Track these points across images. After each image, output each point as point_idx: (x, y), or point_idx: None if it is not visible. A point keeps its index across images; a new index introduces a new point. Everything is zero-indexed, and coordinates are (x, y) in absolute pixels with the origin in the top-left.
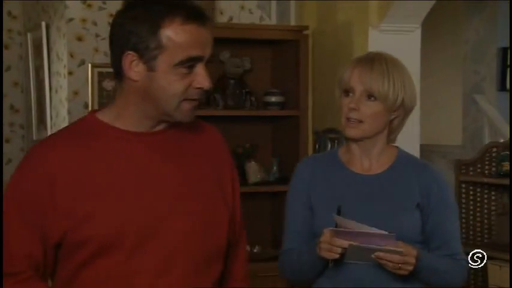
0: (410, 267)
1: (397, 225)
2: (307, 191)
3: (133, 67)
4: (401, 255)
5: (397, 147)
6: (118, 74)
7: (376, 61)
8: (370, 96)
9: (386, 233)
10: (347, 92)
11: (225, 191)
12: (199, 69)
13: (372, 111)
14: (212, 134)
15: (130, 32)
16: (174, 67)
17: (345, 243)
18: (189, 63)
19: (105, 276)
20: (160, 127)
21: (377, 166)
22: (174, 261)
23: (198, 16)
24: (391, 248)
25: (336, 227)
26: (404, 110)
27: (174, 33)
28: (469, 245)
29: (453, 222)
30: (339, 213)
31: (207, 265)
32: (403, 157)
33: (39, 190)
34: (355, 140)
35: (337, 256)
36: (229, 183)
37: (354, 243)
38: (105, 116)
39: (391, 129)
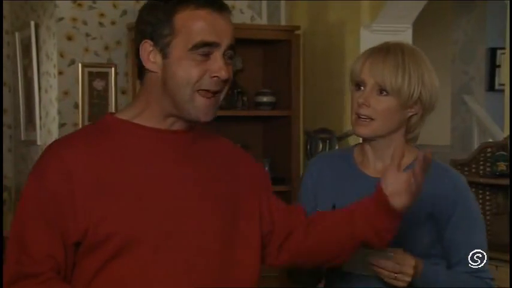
0: (408, 279)
1: (403, 236)
2: (314, 190)
3: (151, 58)
4: (396, 262)
5: (418, 148)
6: (139, 70)
7: (391, 51)
8: (381, 90)
9: None
10: (358, 85)
11: (242, 206)
12: (216, 57)
13: (384, 107)
14: (227, 144)
15: (147, 22)
16: (189, 52)
17: None
18: (204, 48)
19: (130, 274)
20: (182, 127)
21: None
22: (196, 259)
23: (212, 2)
24: (380, 251)
25: None
26: (423, 106)
27: (187, 18)
28: None
29: (476, 235)
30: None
31: (230, 266)
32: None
33: (58, 189)
34: (366, 139)
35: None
36: (259, 194)
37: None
38: (124, 115)
39: (409, 128)
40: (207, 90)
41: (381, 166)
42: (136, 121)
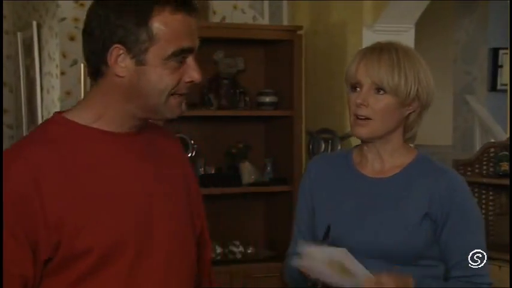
0: None
1: (398, 237)
2: (311, 191)
3: (120, 62)
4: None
5: (417, 149)
6: (96, 71)
7: (384, 51)
8: (379, 89)
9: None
10: (354, 86)
11: (190, 193)
12: (190, 62)
13: (382, 105)
14: (172, 138)
15: (116, 25)
16: (166, 60)
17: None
18: (181, 55)
19: (113, 282)
20: (137, 128)
21: (389, 169)
22: (172, 264)
23: (186, 4)
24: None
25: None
26: (421, 103)
27: (164, 23)
28: None
29: (474, 238)
30: (327, 233)
31: (191, 265)
32: (420, 160)
33: (25, 192)
34: (365, 140)
35: (313, 277)
36: (193, 185)
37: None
38: (80, 118)
39: (407, 126)
40: (181, 94)
41: (379, 166)
42: (95, 126)
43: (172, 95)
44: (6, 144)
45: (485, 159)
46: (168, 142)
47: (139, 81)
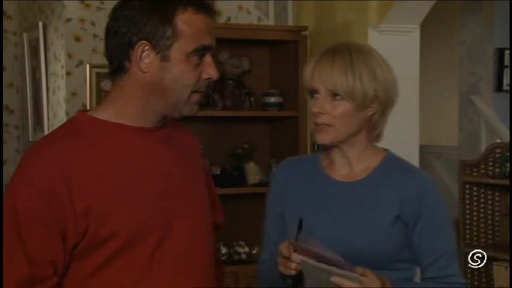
0: None
1: (371, 241)
2: (280, 195)
3: (144, 58)
4: (361, 284)
5: (385, 150)
6: (119, 68)
7: (337, 55)
8: (335, 95)
9: (348, 262)
10: (312, 93)
11: (208, 183)
12: (208, 59)
13: (340, 112)
14: (191, 134)
15: (143, 23)
16: (188, 56)
17: (298, 258)
18: (202, 52)
19: (129, 273)
20: (159, 123)
21: (358, 172)
22: (193, 246)
23: (206, 7)
24: (347, 272)
25: (296, 240)
26: (381, 103)
27: (188, 22)
28: (473, 246)
29: (445, 238)
30: (300, 227)
31: (211, 247)
32: (389, 162)
33: (55, 185)
34: (329, 146)
35: (292, 273)
36: (209, 177)
37: (308, 260)
38: (102, 115)
39: (372, 127)
40: (201, 92)
41: (347, 170)
42: (117, 121)
43: (194, 92)
44: (13, 145)
45: (491, 159)
46: (188, 137)
47: (163, 77)
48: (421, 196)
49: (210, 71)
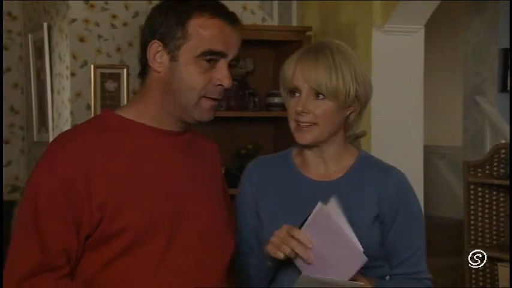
0: None
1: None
2: (255, 196)
3: (157, 58)
4: None
5: (358, 149)
6: (143, 69)
7: (320, 53)
8: (318, 94)
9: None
10: (292, 91)
11: (224, 189)
12: (221, 66)
13: (323, 110)
14: (211, 141)
15: (159, 23)
16: (196, 58)
17: (308, 240)
18: (211, 56)
19: (138, 271)
20: (180, 128)
21: (334, 171)
22: (207, 243)
23: (226, 14)
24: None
25: (303, 223)
26: (360, 103)
27: (200, 25)
28: (478, 247)
29: (418, 236)
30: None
31: (226, 244)
32: (364, 160)
33: (73, 177)
34: (309, 145)
35: (282, 256)
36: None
37: (308, 275)
38: (126, 113)
39: (348, 126)
40: (212, 98)
41: (323, 169)
42: (139, 121)
43: (203, 97)
44: (18, 146)
45: (495, 160)
46: (208, 144)
47: (172, 77)
48: (398, 193)
49: (220, 77)
